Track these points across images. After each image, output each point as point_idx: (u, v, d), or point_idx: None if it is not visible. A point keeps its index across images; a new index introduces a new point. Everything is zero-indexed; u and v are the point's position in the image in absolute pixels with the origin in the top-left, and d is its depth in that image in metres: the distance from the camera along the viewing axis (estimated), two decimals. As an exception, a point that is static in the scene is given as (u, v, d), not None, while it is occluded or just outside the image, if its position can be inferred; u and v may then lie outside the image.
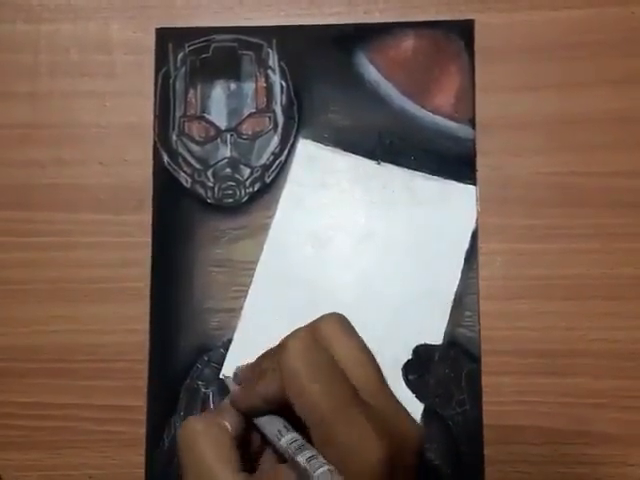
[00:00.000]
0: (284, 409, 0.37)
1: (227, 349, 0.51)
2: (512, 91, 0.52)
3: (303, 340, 0.38)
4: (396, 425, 0.38)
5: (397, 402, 0.39)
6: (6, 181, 0.53)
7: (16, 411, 0.51)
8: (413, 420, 0.39)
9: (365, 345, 0.39)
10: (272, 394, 0.38)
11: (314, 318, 0.50)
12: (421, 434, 0.39)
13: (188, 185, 0.53)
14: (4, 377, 0.52)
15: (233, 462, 0.38)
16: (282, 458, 0.38)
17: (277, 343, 0.38)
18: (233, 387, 0.42)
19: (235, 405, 0.40)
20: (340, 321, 0.40)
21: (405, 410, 0.39)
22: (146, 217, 0.53)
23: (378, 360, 0.49)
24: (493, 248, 0.51)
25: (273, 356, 0.38)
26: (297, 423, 0.37)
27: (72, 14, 0.55)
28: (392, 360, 0.50)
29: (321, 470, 0.34)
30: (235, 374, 0.44)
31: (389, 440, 0.36)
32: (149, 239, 0.52)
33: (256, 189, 0.52)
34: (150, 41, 0.54)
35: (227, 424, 0.39)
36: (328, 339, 0.39)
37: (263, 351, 0.40)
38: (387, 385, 0.39)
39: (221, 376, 0.51)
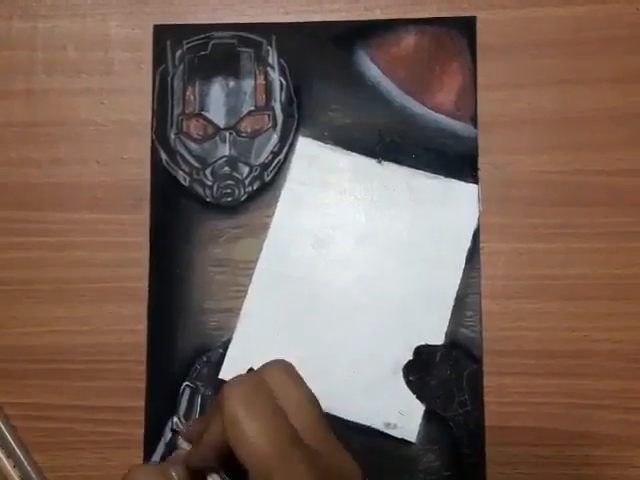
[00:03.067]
0: (233, 460, 0.37)
1: (226, 349, 0.51)
2: (514, 88, 0.52)
3: (243, 384, 0.38)
4: (337, 469, 0.38)
5: (338, 445, 0.39)
6: (2, 180, 0.53)
7: (13, 412, 0.51)
8: (354, 463, 0.39)
9: (309, 390, 0.39)
10: (217, 441, 0.38)
11: (313, 318, 0.50)
12: (363, 476, 0.39)
13: (186, 184, 0.52)
14: (1, 378, 0.51)
15: None
16: None
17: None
18: (181, 443, 0.42)
19: (187, 462, 0.40)
20: (285, 367, 0.40)
21: (346, 453, 0.39)
22: (144, 216, 0.52)
23: (377, 360, 0.50)
24: (495, 247, 0.50)
25: (216, 404, 0.38)
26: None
27: (69, 11, 0.54)
28: (393, 361, 0.50)
29: None
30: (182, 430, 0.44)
31: None
32: (147, 238, 0.52)
33: (255, 188, 0.52)
34: (148, 38, 0.54)
35: (175, 476, 0.39)
36: (272, 384, 0.38)
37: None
38: (329, 429, 0.39)
39: (174, 427, 0.50)
